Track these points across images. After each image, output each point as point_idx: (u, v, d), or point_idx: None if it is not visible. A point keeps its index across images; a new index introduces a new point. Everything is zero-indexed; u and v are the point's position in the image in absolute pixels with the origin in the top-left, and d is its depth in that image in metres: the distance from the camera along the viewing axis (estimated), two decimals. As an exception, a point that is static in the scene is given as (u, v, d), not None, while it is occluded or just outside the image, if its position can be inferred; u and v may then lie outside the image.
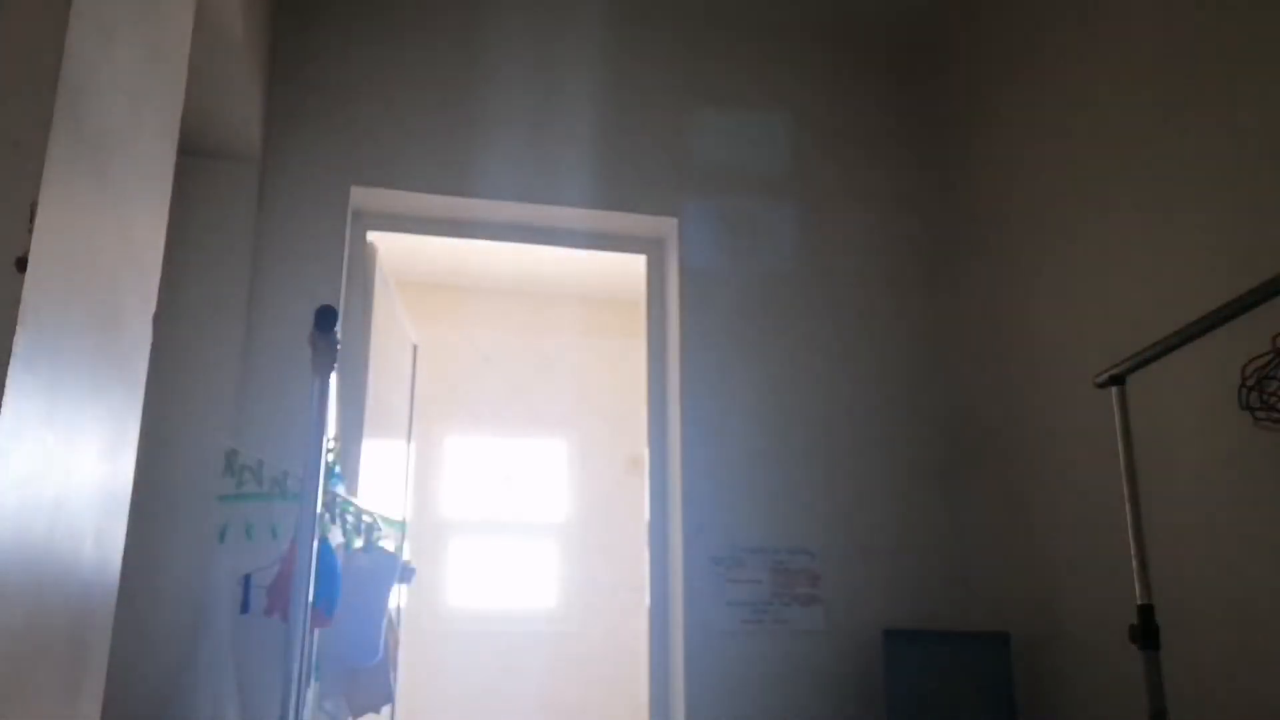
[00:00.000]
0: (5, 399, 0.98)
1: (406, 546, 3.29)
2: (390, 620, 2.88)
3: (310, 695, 2.57)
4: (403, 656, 3.36)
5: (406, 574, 2.90)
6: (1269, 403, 2.14)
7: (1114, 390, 2.07)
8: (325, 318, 1.91)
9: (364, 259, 3.25)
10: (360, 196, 3.20)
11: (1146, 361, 1.98)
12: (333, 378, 1.99)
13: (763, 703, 2.99)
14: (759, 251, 3.40)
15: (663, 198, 3.38)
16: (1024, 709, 2.92)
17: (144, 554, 2.60)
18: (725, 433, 3.20)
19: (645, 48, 3.51)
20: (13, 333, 1.00)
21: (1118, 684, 2.56)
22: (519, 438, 5.54)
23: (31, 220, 1.04)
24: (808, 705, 3.01)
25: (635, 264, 3.77)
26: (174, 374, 2.77)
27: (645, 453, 3.38)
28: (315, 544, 1.87)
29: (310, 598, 1.82)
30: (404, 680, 4.11)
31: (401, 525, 3.23)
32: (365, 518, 2.79)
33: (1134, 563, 1.95)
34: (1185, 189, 2.48)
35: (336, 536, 2.70)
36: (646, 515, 3.31)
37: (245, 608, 2.47)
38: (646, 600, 3.23)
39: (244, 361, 2.89)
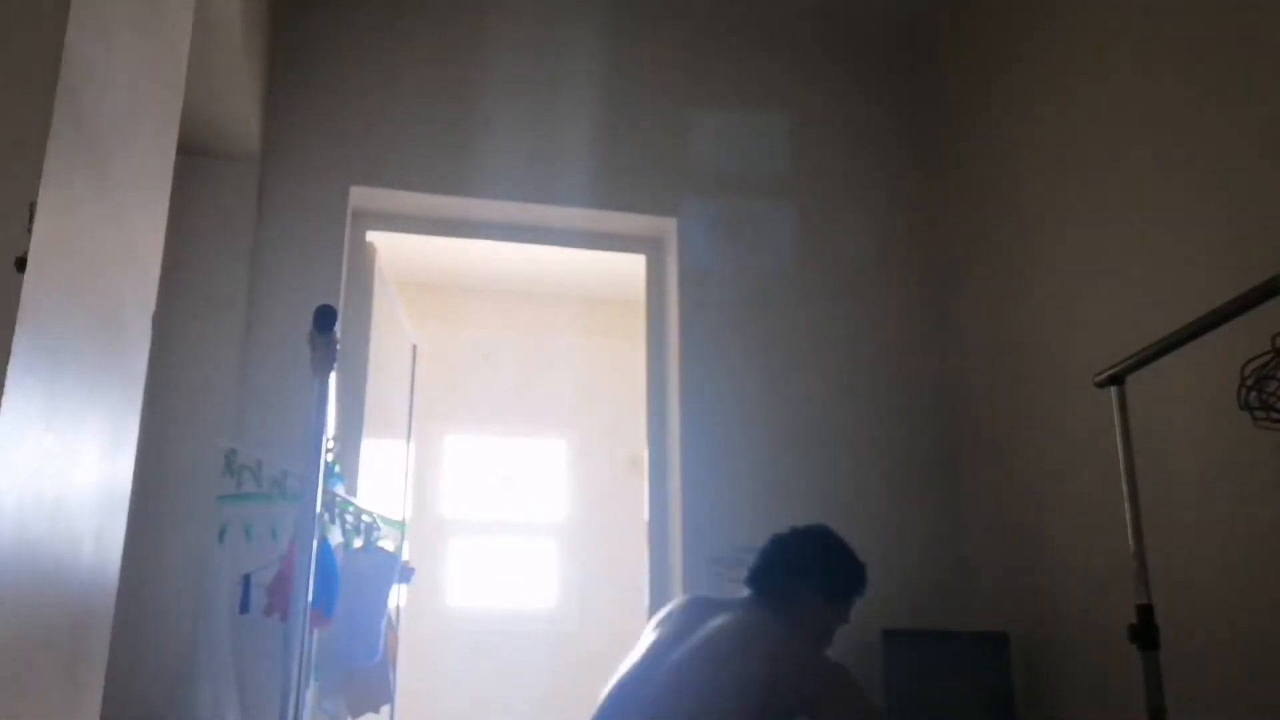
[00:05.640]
0: (5, 399, 0.98)
1: (406, 546, 3.29)
2: (390, 620, 2.88)
3: (310, 695, 2.57)
4: (403, 656, 3.35)
5: (406, 574, 2.90)
6: (1269, 403, 2.13)
7: (1113, 390, 2.07)
8: (324, 318, 1.91)
9: (364, 259, 3.25)
10: (360, 196, 3.20)
11: (1146, 361, 1.98)
12: (332, 378, 1.99)
13: (762, 703, 2.98)
14: (758, 251, 3.40)
15: (662, 198, 3.38)
16: (1024, 709, 2.92)
17: (144, 554, 2.60)
18: (725, 433, 3.20)
19: (645, 47, 3.51)
20: (13, 333, 1.00)
21: (1118, 684, 2.56)
22: (519, 438, 5.54)
23: (31, 220, 1.04)
24: (807, 705, 3.01)
25: (635, 264, 3.76)
26: (174, 374, 2.77)
27: (645, 453, 3.38)
28: (315, 544, 1.87)
29: (310, 598, 1.82)
30: (404, 680, 4.11)
31: (401, 525, 3.23)
32: (365, 518, 2.79)
33: (1134, 563, 1.95)
34: (1185, 188, 2.48)
35: (336, 536, 2.69)
36: (646, 515, 3.31)
37: (245, 608, 2.47)
38: (646, 600, 3.23)
39: (244, 361, 2.88)
